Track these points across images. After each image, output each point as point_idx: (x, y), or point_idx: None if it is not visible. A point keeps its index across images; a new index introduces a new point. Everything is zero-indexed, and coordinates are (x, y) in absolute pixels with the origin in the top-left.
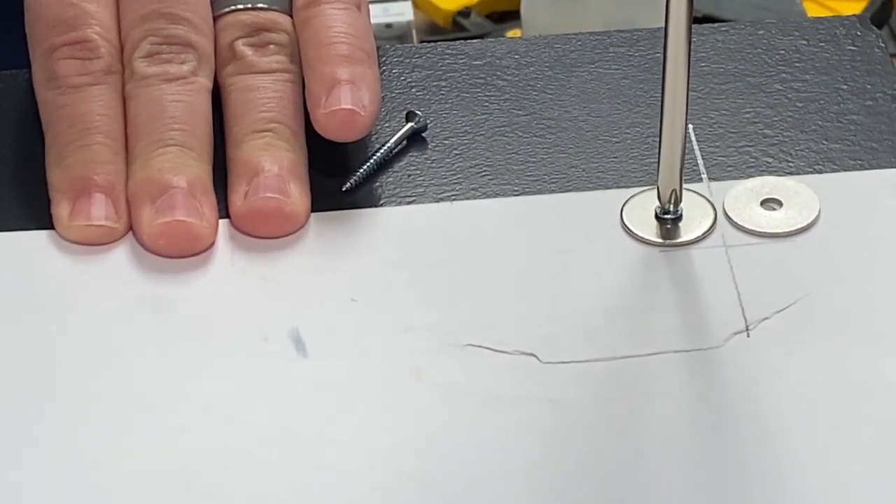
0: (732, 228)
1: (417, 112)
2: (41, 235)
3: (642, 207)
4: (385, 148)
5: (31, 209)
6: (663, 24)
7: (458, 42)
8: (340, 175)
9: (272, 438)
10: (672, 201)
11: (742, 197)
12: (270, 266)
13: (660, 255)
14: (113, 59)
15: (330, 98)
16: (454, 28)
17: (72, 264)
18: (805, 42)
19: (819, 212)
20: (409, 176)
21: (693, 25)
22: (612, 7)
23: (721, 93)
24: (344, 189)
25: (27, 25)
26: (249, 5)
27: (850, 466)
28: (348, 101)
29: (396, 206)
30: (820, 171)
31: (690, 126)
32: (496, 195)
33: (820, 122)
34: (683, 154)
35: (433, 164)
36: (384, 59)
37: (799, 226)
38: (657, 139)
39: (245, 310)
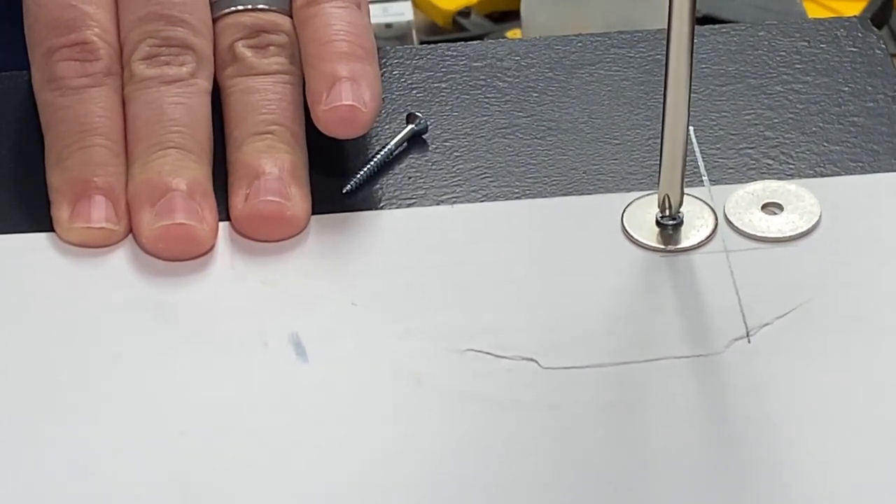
0: (733, 233)
1: (418, 114)
2: (40, 238)
3: (643, 212)
4: (385, 150)
5: (30, 212)
6: (663, 25)
7: (458, 43)
8: (340, 177)
9: (271, 443)
10: (671, 206)
11: (743, 201)
12: (270, 270)
13: (660, 260)
14: (112, 61)
15: (330, 95)
16: (454, 28)
17: (71, 268)
18: (806, 43)
19: (820, 216)
20: (410, 178)
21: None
22: (612, 7)
23: (721, 94)
24: (344, 191)
25: (26, 28)
26: (249, 6)
27: (853, 472)
28: (349, 98)
29: (396, 208)
30: (821, 174)
31: (691, 128)
32: (497, 198)
33: (821, 124)
34: (685, 160)
35: (433, 167)
36: (385, 60)
37: (800, 230)
38: (658, 141)
39: (245, 314)
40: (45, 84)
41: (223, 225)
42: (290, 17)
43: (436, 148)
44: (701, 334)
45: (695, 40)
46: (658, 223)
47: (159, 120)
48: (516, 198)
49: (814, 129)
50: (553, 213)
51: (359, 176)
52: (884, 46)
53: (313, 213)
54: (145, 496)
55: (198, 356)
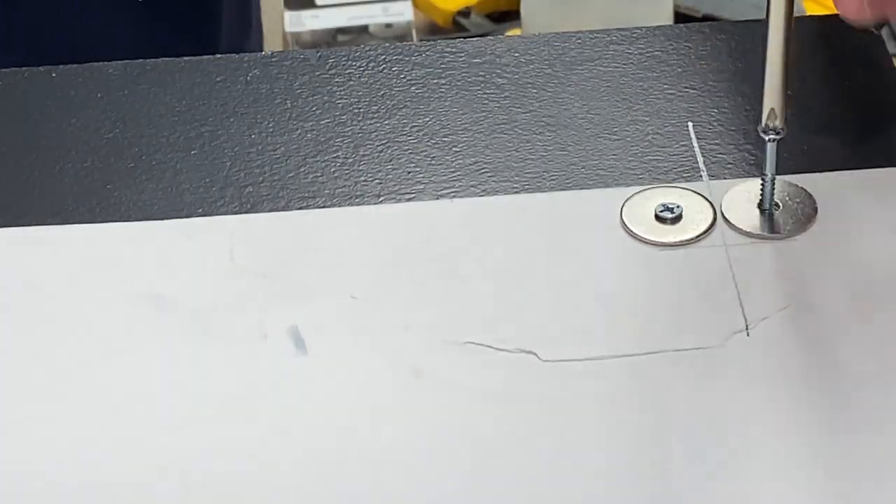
0: (731, 228)
1: None
2: (41, 231)
3: (642, 207)
4: None
5: (31, 206)
6: (662, 23)
7: (457, 40)
8: (340, 168)
9: (271, 435)
10: (777, 117)
11: (741, 196)
12: (270, 262)
13: (659, 254)
14: None
15: None
16: (454, 28)
17: (71, 261)
18: (805, 41)
19: (817, 211)
20: (409, 173)
21: (693, 24)
22: (612, 7)
23: (721, 91)
24: None
25: None
26: None
27: (850, 465)
28: None
29: (396, 203)
30: (818, 170)
31: (690, 124)
32: (496, 193)
33: (819, 121)
34: (786, 73)
35: (433, 162)
36: (384, 56)
37: (798, 224)
38: (657, 137)
39: (244, 306)
40: None
41: (224, 218)
42: None
43: (435, 143)
44: (700, 328)
45: (695, 38)
46: (657, 217)
47: None
48: (515, 192)
49: (812, 125)
50: (552, 207)
51: None
52: (882, 43)
53: (312, 208)
54: (145, 486)
55: (197, 348)
